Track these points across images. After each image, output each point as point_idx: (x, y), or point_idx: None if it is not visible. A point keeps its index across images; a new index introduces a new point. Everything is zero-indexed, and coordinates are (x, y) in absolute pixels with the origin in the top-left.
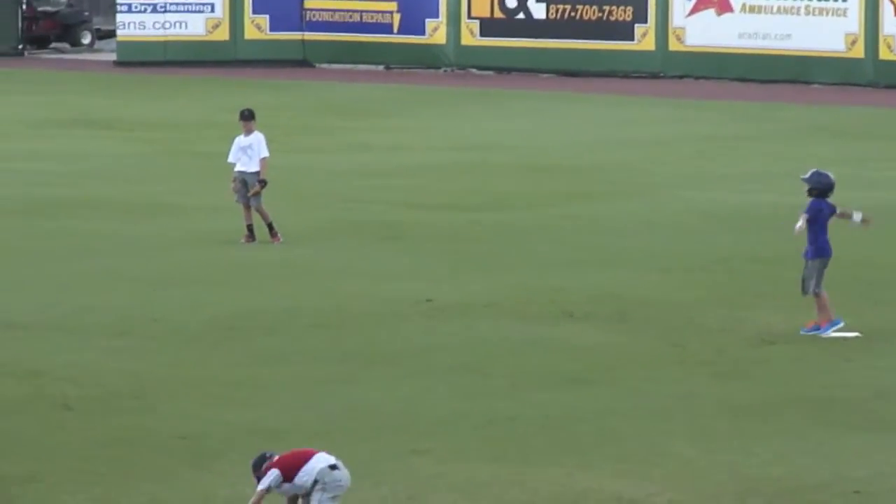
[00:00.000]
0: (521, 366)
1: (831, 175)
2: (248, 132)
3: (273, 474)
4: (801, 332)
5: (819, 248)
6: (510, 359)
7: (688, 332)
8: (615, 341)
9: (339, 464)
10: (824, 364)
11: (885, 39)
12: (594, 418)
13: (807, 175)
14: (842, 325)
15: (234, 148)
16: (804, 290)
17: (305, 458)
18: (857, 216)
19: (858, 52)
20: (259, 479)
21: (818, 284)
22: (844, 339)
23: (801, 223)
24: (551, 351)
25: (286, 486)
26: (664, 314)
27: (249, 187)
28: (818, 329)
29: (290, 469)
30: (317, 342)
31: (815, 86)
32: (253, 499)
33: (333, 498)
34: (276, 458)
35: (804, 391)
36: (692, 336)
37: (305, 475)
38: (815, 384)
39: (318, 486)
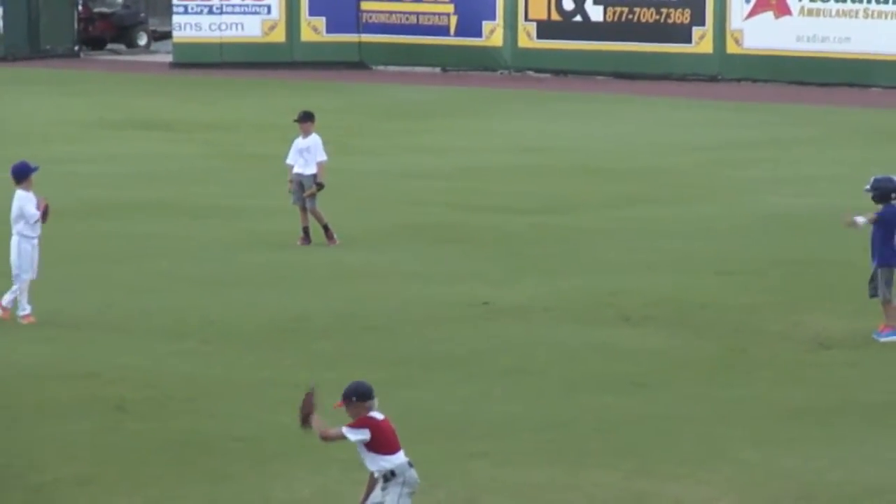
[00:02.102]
0: (578, 369)
1: (894, 178)
2: (306, 134)
3: (364, 434)
4: (874, 337)
5: (882, 256)
6: (567, 362)
7: (747, 336)
8: (673, 345)
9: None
10: (883, 369)
11: None
12: (652, 422)
13: (868, 185)
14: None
15: (292, 150)
16: (871, 294)
17: (395, 445)
18: (861, 219)
19: None
20: (347, 404)
21: (889, 291)
22: None
23: (861, 220)
24: (609, 355)
25: (364, 450)
26: (723, 318)
27: (306, 189)
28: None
29: (379, 443)
30: (372, 345)
31: (875, 89)
32: (331, 431)
33: (410, 494)
34: (378, 418)
35: (863, 396)
36: (751, 340)
37: (386, 460)
38: (874, 389)
39: (398, 479)
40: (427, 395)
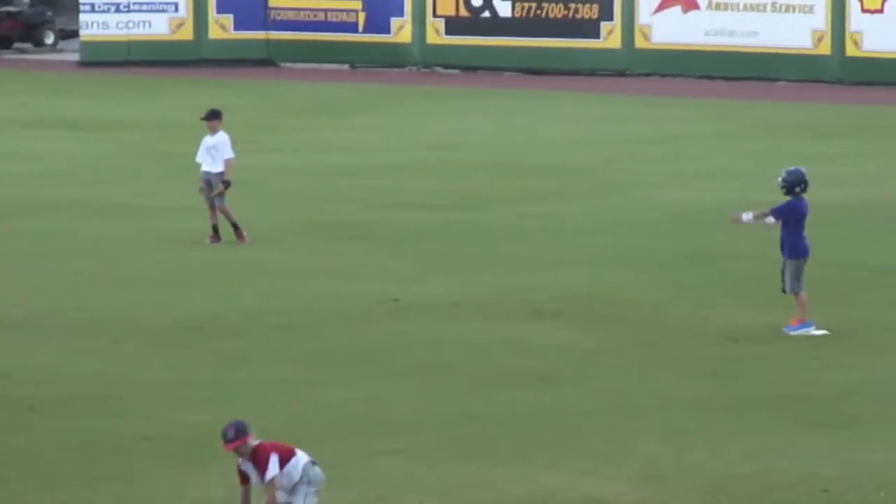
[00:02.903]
0: (488, 365)
1: (802, 170)
2: (213, 132)
3: (276, 460)
4: (784, 330)
5: (792, 248)
6: (477, 358)
7: (656, 330)
8: (583, 340)
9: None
10: (792, 362)
11: (851, 36)
12: (562, 417)
13: (780, 177)
14: (812, 329)
15: (200, 148)
16: (783, 289)
17: (291, 450)
18: (746, 216)
19: (825, 48)
20: (237, 450)
21: (797, 284)
22: (811, 336)
23: (747, 216)
24: (519, 350)
25: (279, 474)
26: (632, 313)
27: (214, 187)
28: (805, 326)
29: (283, 458)
30: (282, 343)
31: (782, 83)
32: (271, 493)
33: (317, 492)
34: (264, 443)
35: (772, 389)
36: (660, 334)
37: (293, 469)
38: (784, 382)
39: (304, 479)
40: (337, 393)
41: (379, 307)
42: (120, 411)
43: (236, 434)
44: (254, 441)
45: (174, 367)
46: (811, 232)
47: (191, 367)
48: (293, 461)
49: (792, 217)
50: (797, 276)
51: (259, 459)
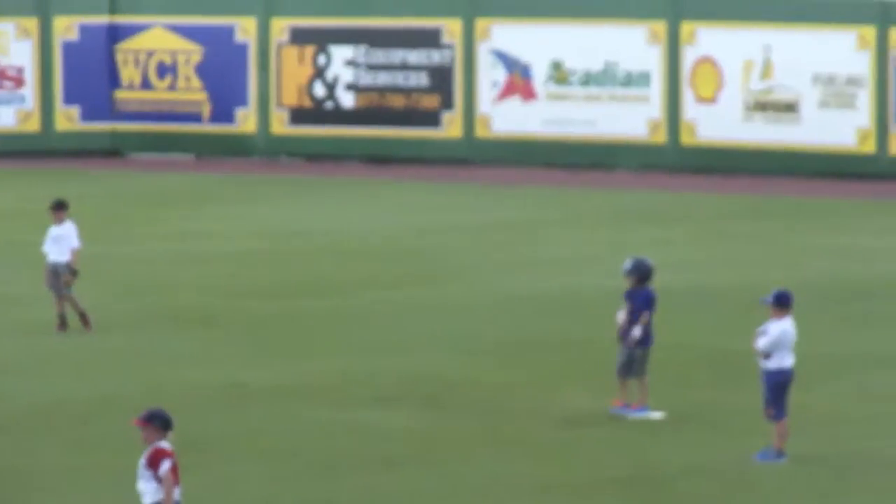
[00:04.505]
0: (334, 450)
1: (649, 261)
2: (59, 222)
3: (168, 464)
4: (610, 412)
5: (648, 335)
6: (322, 443)
7: (498, 414)
8: (427, 424)
9: None
10: (631, 444)
11: (686, 125)
12: (407, 501)
13: (629, 266)
14: (649, 413)
15: (47, 238)
16: (636, 374)
17: (177, 480)
18: (636, 331)
19: (661, 137)
20: (146, 427)
21: (643, 368)
22: (649, 419)
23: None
24: (364, 435)
25: (151, 480)
26: (474, 397)
27: (61, 277)
28: (627, 409)
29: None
30: (128, 429)
31: (620, 171)
32: (169, 481)
33: None
34: (170, 450)
35: (613, 471)
36: (503, 418)
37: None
38: (624, 464)
39: None
40: (184, 479)
41: (225, 393)
42: None
43: (146, 418)
44: (164, 443)
45: (24, 455)
46: (655, 315)
47: (39, 455)
48: (176, 491)
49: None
50: (643, 362)
51: (154, 459)
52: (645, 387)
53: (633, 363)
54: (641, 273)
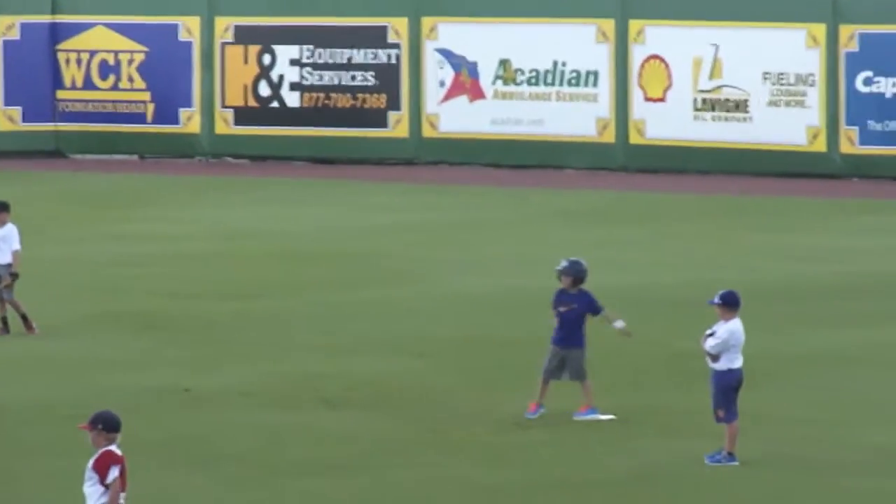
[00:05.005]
0: (281, 454)
1: (584, 262)
2: (1, 224)
3: (115, 472)
4: (575, 418)
5: (578, 338)
6: (268, 447)
7: (444, 417)
8: (373, 428)
9: None
10: (579, 447)
11: (634, 124)
12: None
13: (562, 266)
14: (598, 414)
15: None
16: (574, 378)
17: (125, 486)
18: (619, 323)
19: (609, 136)
20: (92, 429)
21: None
22: (599, 421)
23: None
24: (311, 439)
25: (96, 484)
26: (421, 400)
27: (2, 280)
28: (592, 412)
29: (122, 482)
30: (72, 434)
31: (568, 170)
32: (117, 489)
33: None
34: (120, 454)
35: (561, 474)
36: (451, 421)
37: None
38: (571, 467)
39: None
40: (129, 484)
41: (170, 397)
42: None
43: (93, 421)
44: (114, 447)
45: None
46: (599, 316)
47: None
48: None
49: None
50: (584, 363)
51: (102, 464)
52: (588, 389)
53: (565, 367)
54: (576, 274)
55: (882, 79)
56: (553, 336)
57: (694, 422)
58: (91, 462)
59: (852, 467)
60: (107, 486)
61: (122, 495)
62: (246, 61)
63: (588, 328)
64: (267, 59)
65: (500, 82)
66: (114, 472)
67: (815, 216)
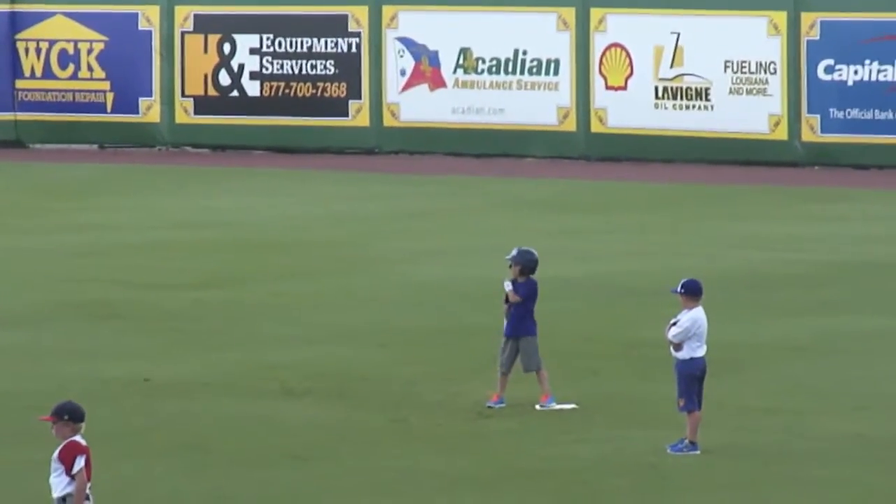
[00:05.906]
0: (241, 444)
1: (534, 252)
2: None
3: (81, 463)
4: (537, 408)
5: (527, 327)
6: (229, 437)
7: (407, 406)
8: (335, 417)
9: None
10: (541, 436)
11: (596, 112)
12: (316, 496)
13: (511, 254)
14: (554, 404)
15: None
16: (526, 368)
17: (90, 476)
18: (507, 285)
19: (570, 125)
20: (56, 421)
21: (538, 359)
22: (561, 410)
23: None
24: (271, 428)
25: (62, 473)
26: (383, 389)
27: None
28: (551, 401)
29: (87, 472)
30: (32, 425)
31: (529, 159)
32: (83, 480)
33: None
34: (84, 445)
35: (523, 463)
36: (411, 411)
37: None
38: (533, 456)
39: None
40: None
41: (129, 387)
42: None
43: (55, 412)
44: (78, 437)
45: None
46: (560, 305)
47: None
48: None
49: (536, 297)
50: (535, 352)
51: (67, 454)
52: (543, 378)
53: (515, 357)
54: (525, 263)
55: (843, 67)
56: (504, 327)
57: (655, 411)
58: (56, 453)
59: (814, 456)
60: (72, 477)
61: (87, 485)
62: (206, 50)
63: (548, 316)
64: (227, 48)
65: (460, 71)
66: (80, 463)
67: (776, 204)
